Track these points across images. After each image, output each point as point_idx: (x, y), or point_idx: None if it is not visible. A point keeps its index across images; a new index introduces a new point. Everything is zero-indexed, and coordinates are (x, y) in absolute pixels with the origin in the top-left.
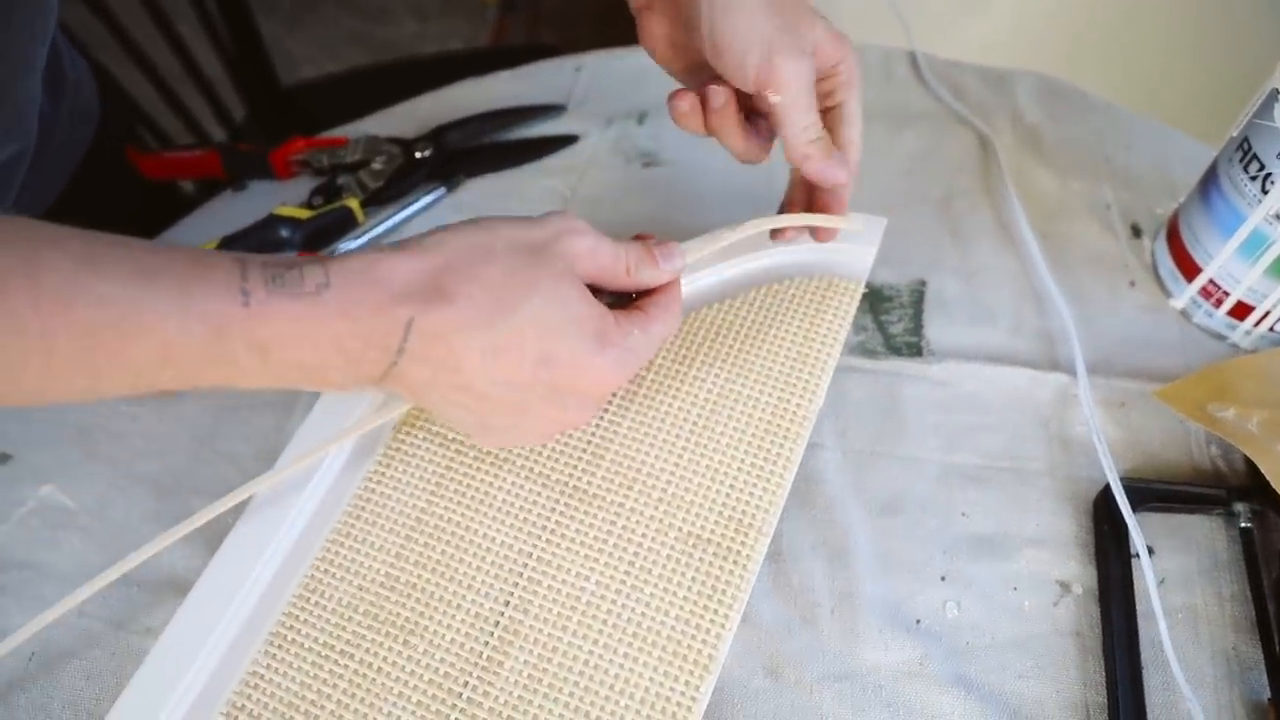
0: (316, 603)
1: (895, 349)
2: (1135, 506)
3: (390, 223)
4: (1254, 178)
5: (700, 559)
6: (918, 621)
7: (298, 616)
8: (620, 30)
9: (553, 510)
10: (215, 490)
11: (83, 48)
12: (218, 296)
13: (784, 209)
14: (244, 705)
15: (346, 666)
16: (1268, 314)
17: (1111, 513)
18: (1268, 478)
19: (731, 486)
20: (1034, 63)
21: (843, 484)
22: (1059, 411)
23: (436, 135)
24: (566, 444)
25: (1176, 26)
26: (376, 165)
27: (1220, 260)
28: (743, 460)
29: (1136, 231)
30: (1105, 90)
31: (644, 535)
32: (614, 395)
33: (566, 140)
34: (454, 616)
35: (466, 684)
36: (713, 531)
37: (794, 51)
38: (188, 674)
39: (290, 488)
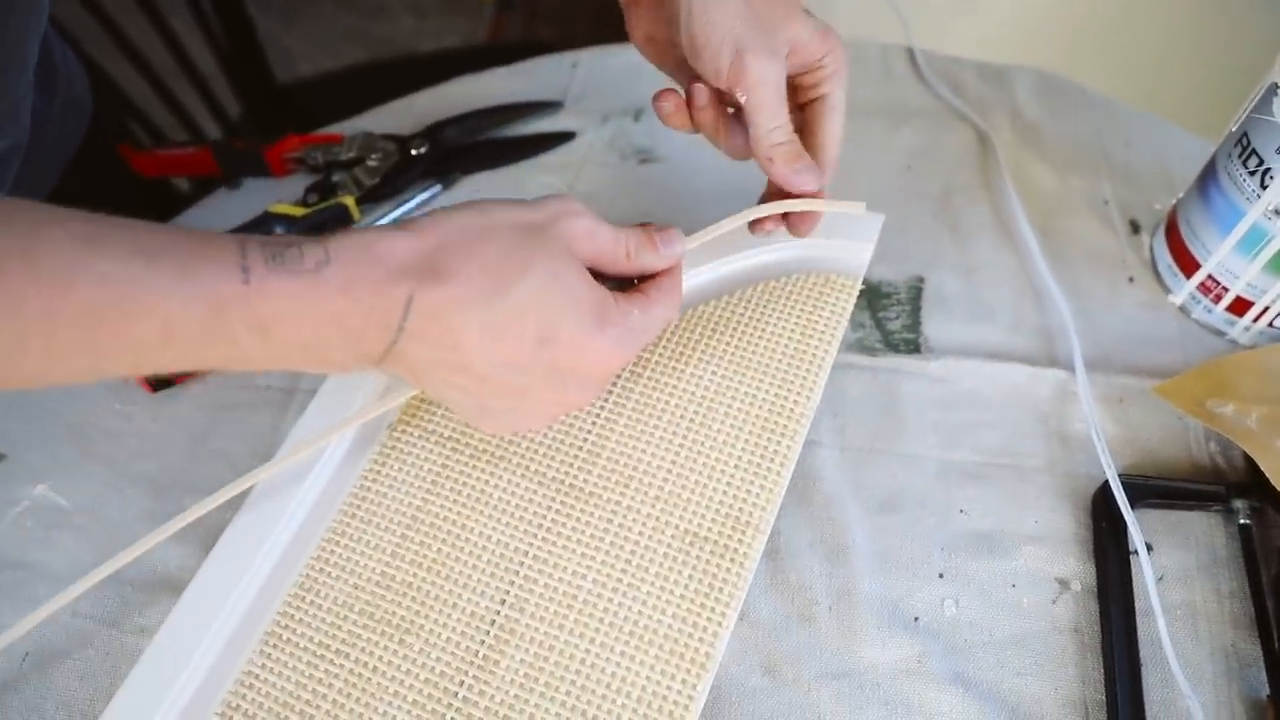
0: (312, 602)
1: (893, 346)
2: (1134, 503)
3: (386, 220)
4: (1253, 173)
5: (697, 557)
6: (916, 619)
7: (293, 616)
8: (617, 27)
9: (549, 508)
10: (210, 489)
11: (75, 43)
12: (218, 275)
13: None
14: (239, 705)
15: (342, 666)
16: (1267, 309)
17: (1110, 509)
18: (1267, 474)
19: (729, 484)
20: (1032, 58)
21: (841, 481)
22: (1058, 408)
23: (432, 132)
24: (563, 441)
25: (1175, 22)
26: (372, 162)
27: (1219, 256)
28: (740, 457)
29: (1135, 227)
30: (1104, 86)
31: (641, 533)
32: (610, 391)
33: (563, 137)
34: (450, 615)
35: (462, 683)
36: (710, 529)
37: (763, 51)
38: (182, 674)
39: (285, 484)
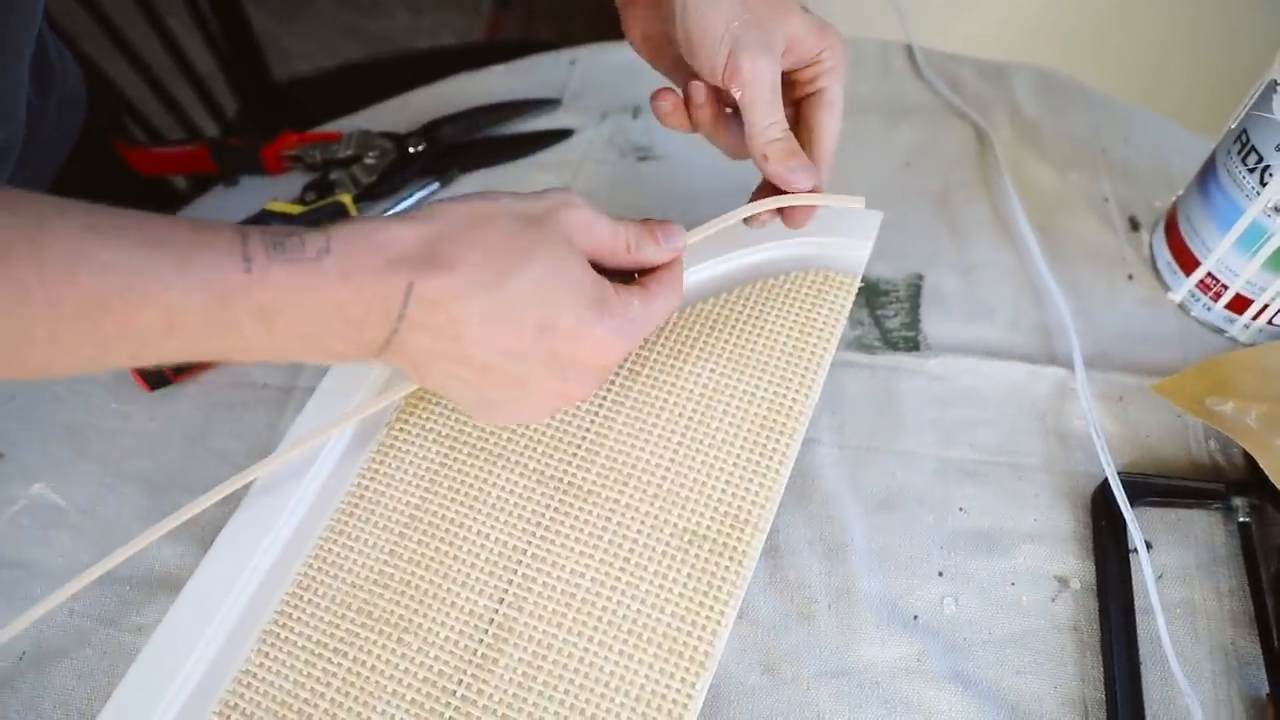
0: (310, 600)
1: (892, 343)
2: (1133, 501)
3: None
4: (1252, 170)
5: (696, 555)
6: (915, 617)
7: (291, 614)
8: (615, 25)
9: (547, 506)
10: (207, 488)
11: (71, 41)
12: (220, 264)
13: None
14: (237, 704)
15: (340, 664)
16: (1266, 307)
17: (1109, 507)
18: (1266, 472)
19: (727, 482)
20: (1031, 55)
21: (839, 479)
22: (1056, 406)
23: (430, 130)
24: (561, 439)
25: (1174, 19)
26: (369, 160)
27: (1218, 253)
28: (739, 456)
29: (1134, 225)
30: (1103, 83)
31: (639, 531)
32: (609, 389)
33: (561, 134)
34: (448, 614)
35: (461, 681)
36: (709, 527)
37: (758, 48)
38: (180, 672)
39: (283, 482)
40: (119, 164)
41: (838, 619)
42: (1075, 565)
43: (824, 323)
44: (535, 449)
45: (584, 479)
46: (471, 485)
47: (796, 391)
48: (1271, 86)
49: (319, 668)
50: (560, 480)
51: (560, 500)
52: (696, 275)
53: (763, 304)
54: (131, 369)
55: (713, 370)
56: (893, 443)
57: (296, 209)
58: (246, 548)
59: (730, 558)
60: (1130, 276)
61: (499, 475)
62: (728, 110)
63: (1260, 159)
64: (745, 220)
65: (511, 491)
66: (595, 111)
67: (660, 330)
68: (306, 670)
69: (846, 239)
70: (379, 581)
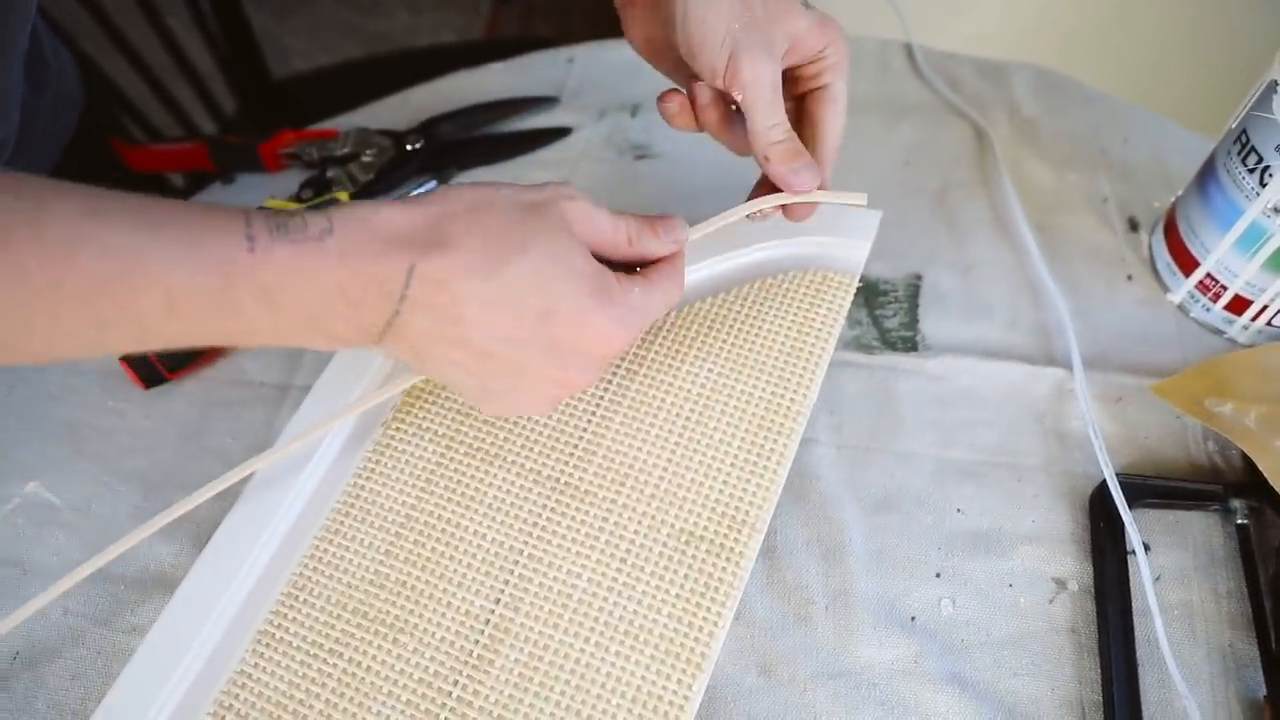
0: (305, 600)
1: (890, 343)
2: (1131, 503)
3: None
4: (1252, 170)
5: (693, 556)
6: (912, 619)
7: (286, 615)
8: (613, 22)
9: (544, 507)
10: (202, 487)
11: (69, 39)
12: (223, 244)
13: (751, 199)
14: (231, 705)
15: (335, 665)
16: (1265, 308)
17: (1108, 509)
18: (1265, 474)
19: (725, 482)
20: (1031, 54)
21: (837, 480)
22: (1055, 406)
23: (428, 127)
24: (558, 439)
25: (1174, 19)
26: (367, 158)
27: (1218, 254)
28: (736, 456)
29: (1133, 225)
30: (1102, 82)
31: (636, 532)
32: (606, 388)
33: (559, 133)
34: (444, 614)
35: (456, 682)
36: (706, 528)
37: (758, 50)
38: (174, 673)
39: (279, 481)
40: (115, 162)
41: (835, 620)
42: (1073, 567)
43: (822, 322)
44: (532, 448)
45: (581, 479)
46: (468, 485)
47: (794, 391)
48: (1271, 87)
49: (314, 668)
50: (557, 480)
51: (557, 500)
52: (695, 274)
53: (761, 303)
54: (127, 368)
55: (710, 370)
56: (891, 443)
57: (293, 206)
58: (242, 547)
59: (727, 558)
60: (1129, 277)
61: (495, 475)
62: (733, 109)
63: (1260, 159)
64: (747, 215)
65: (508, 491)
66: (593, 110)
67: (657, 329)
68: (302, 671)
69: (845, 238)
70: (375, 582)
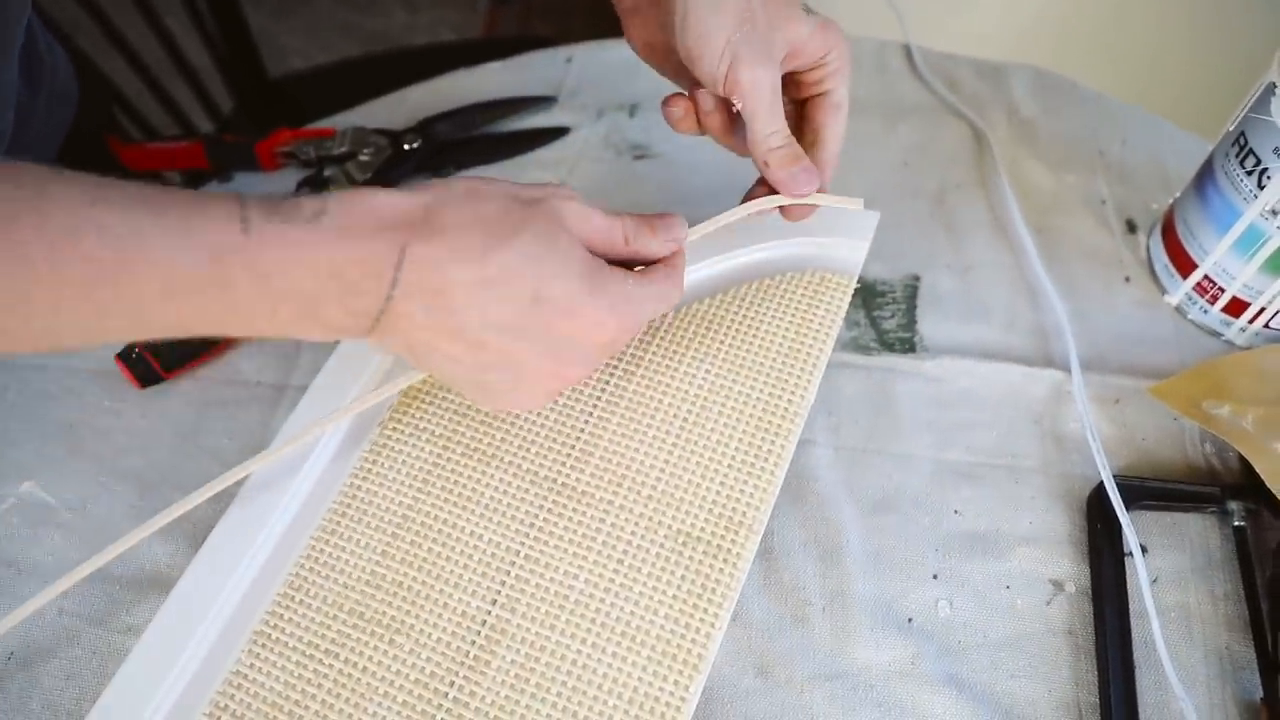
0: (301, 601)
1: (888, 345)
2: (1129, 504)
3: None
4: (1250, 173)
5: (690, 557)
6: (910, 620)
7: (282, 615)
8: (612, 22)
9: (541, 507)
10: (199, 486)
11: (66, 37)
12: (218, 226)
13: (748, 199)
14: (227, 705)
15: (331, 666)
16: (1263, 310)
17: (1105, 511)
18: (1262, 476)
19: (722, 483)
20: (1029, 56)
21: (834, 481)
22: (1053, 408)
23: (425, 127)
24: (555, 440)
25: (1173, 21)
26: (364, 157)
27: (1215, 256)
28: (733, 457)
29: (1131, 227)
30: (1100, 84)
31: (633, 533)
32: (603, 389)
33: (557, 132)
34: (440, 615)
35: (453, 683)
36: (703, 529)
37: (758, 58)
38: (170, 673)
39: (275, 481)
40: (111, 160)
41: (832, 622)
42: (1070, 568)
43: (820, 323)
44: (529, 449)
45: (578, 480)
46: (465, 486)
47: (792, 392)
48: (1269, 89)
49: (310, 669)
50: (554, 481)
51: (554, 501)
52: (692, 275)
53: (759, 304)
54: (123, 367)
55: (708, 371)
56: (888, 444)
57: None
58: (238, 547)
59: (724, 560)
60: (1127, 279)
61: (492, 476)
62: (735, 112)
63: (1258, 161)
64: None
65: (505, 492)
66: (591, 109)
67: (655, 330)
68: (297, 671)
69: (843, 239)
70: (371, 582)
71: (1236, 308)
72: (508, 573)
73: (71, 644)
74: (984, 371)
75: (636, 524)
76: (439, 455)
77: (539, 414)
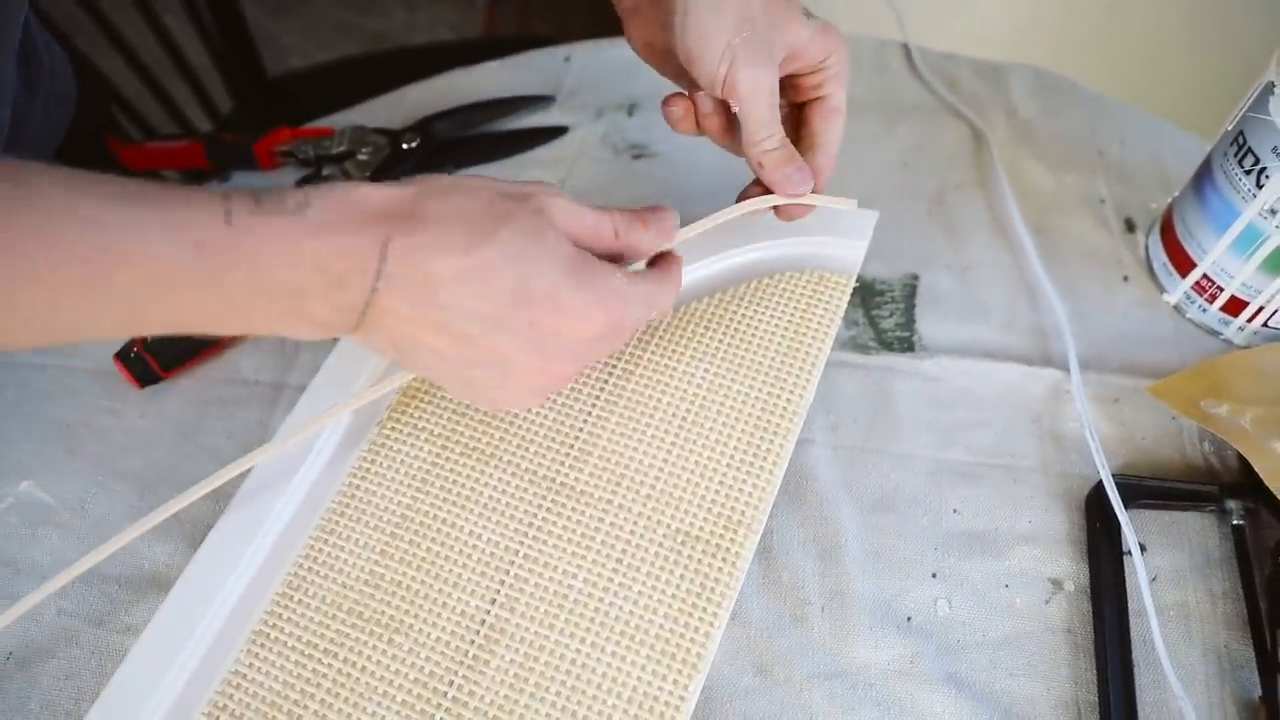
0: (300, 600)
1: (887, 344)
2: (1127, 503)
3: None
4: (1248, 172)
5: (689, 556)
6: (908, 619)
7: (281, 615)
8: (611, 21)
9: (539, 507)
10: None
11: (64, 36)
12: (201, 218)
13: (742, 198)
14: (226, 705)
15: (330, 665)
16: (1261, 309)
17: (1104, 509)
18: (1260, 475)
19: (721, 483)
20: (1028, 56)
21: (833, 480)
22: (1051, 407)
23: (424, 126)
24: (554, 439)
25: (1171, 20)
26: (363, 156)
27: (1214, 255)
28: (732, 456)
29: (1130, 226)
30: (1099, 83)
31: (632, 532)
32: (602, 388)
33: (556, 131)
34: (439, 614)
35: (452, 683)
36: (702, 528)
37: (756, 62)
38: (169, 673)
39: (274, 481)
40: (110, 160)
41: (831, 621)
42: (1069, 567)
43: (819, 323)
44: (528, 449)
45: (576, 479)
46: (464, 485)
47: (791, 392)
48: (1268, 89)
49: (309, 669)
50: (553, 480)
51: (553, 501)
52: (691, 274)
53: (757, 303)
54: (122, 367)
55: (706, 370)
56: (887, 444)
57: None
58: (236, 547)
59: (723, 559)
60: (1126, 278)
61: (491, 475)
62: (734, 113)
63: (1257, 161)
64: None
65: (504, 492)
66: (590, 109)
67: (654, 329)
68: (296, 671)
69: (842, 239)
70: (370, 582)
71: (1235, 307)
72: (507, 572)
73: (70, 644)
74: (983, 371)
75: (635, 523)
76: (438, 455)
77: (538, 413)
